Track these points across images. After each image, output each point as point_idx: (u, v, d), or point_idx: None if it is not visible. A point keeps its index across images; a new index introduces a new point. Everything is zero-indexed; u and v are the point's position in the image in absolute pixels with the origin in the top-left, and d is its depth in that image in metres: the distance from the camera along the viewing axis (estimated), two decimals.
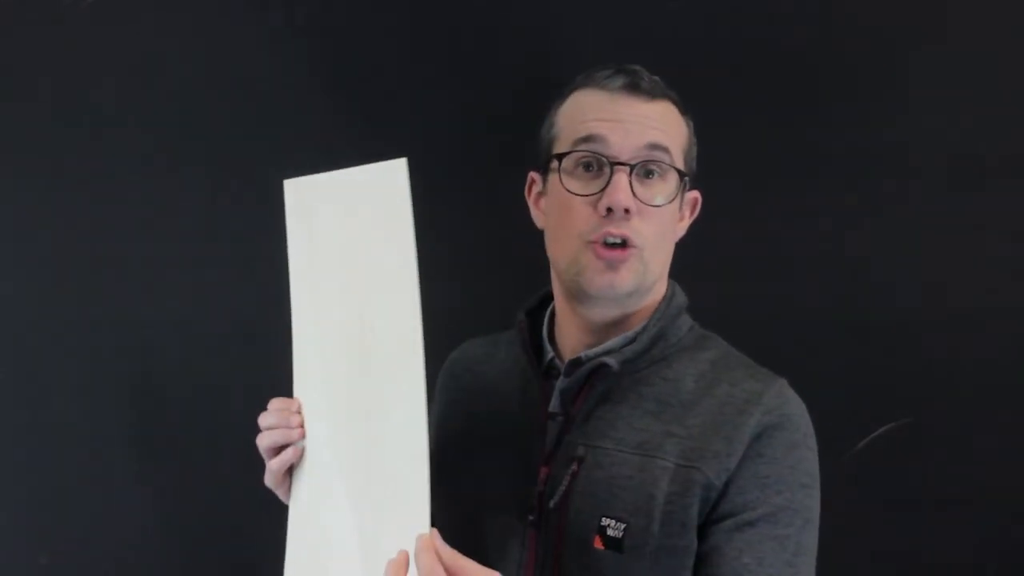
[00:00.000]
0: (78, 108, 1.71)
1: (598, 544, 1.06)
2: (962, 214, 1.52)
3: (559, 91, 1.19)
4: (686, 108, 1.18)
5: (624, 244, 1.09)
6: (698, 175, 1.20)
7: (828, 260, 1.56)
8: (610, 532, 1.05)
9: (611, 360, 1.12)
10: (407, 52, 1.68)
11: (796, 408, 1.10)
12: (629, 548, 1.05)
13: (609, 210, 1.08)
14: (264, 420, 1.17)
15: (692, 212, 1.21)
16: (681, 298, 1.20)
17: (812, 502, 1.08)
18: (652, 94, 1.13)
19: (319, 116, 1.69)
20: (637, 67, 1.15)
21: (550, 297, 1.24)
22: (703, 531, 1.06)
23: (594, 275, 1.10)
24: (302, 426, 1.15)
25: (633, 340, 1.15)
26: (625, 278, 1.10)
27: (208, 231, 1.70)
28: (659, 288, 1.18)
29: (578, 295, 1.14)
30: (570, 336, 1.18)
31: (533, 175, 1.22)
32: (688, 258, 1.43)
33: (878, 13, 1.54)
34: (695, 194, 1.20)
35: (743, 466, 1.05)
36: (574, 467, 1.09)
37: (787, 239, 1.57)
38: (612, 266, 1.09)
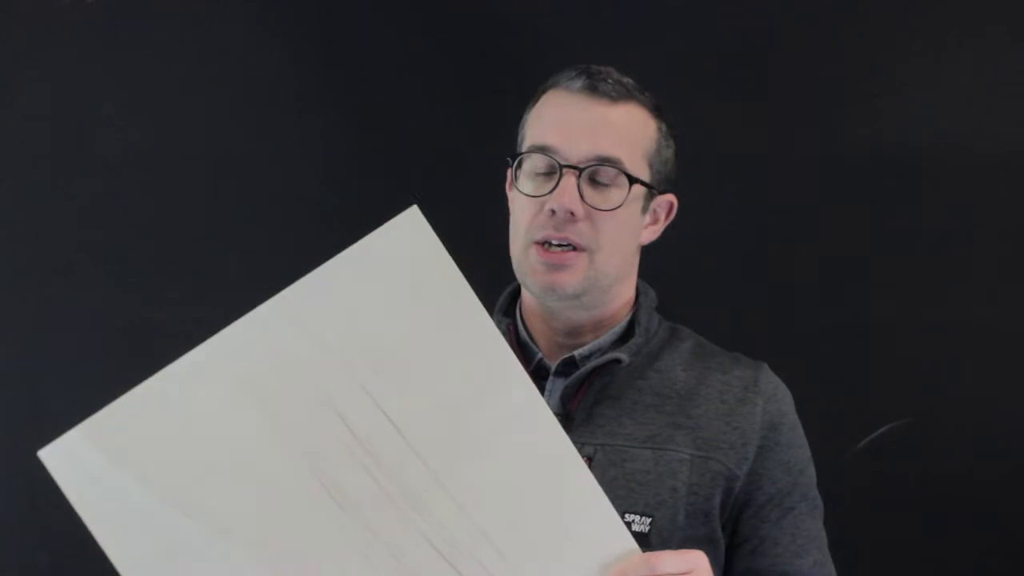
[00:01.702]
0: (78, 108, 1.71)
1: None
2: (963, 214, 1.53)
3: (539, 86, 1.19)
4: (659, 110, 1.15)
5: (571, 247, 1.10)
6: (682, 176, 1.19)
7: (829, 259, 1.56)
8: (635, 528, 1.06)
9: (623, 355, 1.13)
10: (403, 52, 1.68)
11: (784, 389, 1.17)
12: (656, 542, 1.06)
13: (553, 212, 1.09)
14: None
15: (667, 216, 1.20)
16: (652, 293, 1.22)
17: (813, 467, 1.18)
18: (614, 97, 1.12)
19: (319, 115, 1.69)
20: (604, 68, 1.14)
21: (515, 294, 1.23)
22: (744, 523, 1.11)
23: (536, 276, 1.11)
24: None
25: (621, 336, 1.16)
26: (568, 280, 1.10)
27: (209, 231, 1.70)
28: (627, 289, 1.18)
29: (534, 294, 1.15)
30: (545, 336, 1.18)
31: (511, 170, 1.21)
32: (688, 257, 1.44)
33: (876, 12, 1.54)
34: (670, 198, 1.19)
35: (766, 457, 1.11)
36: None
37: (787, 238, 1.58)
38: (554, 267, 1.10)
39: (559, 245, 1.10)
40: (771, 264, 1.58)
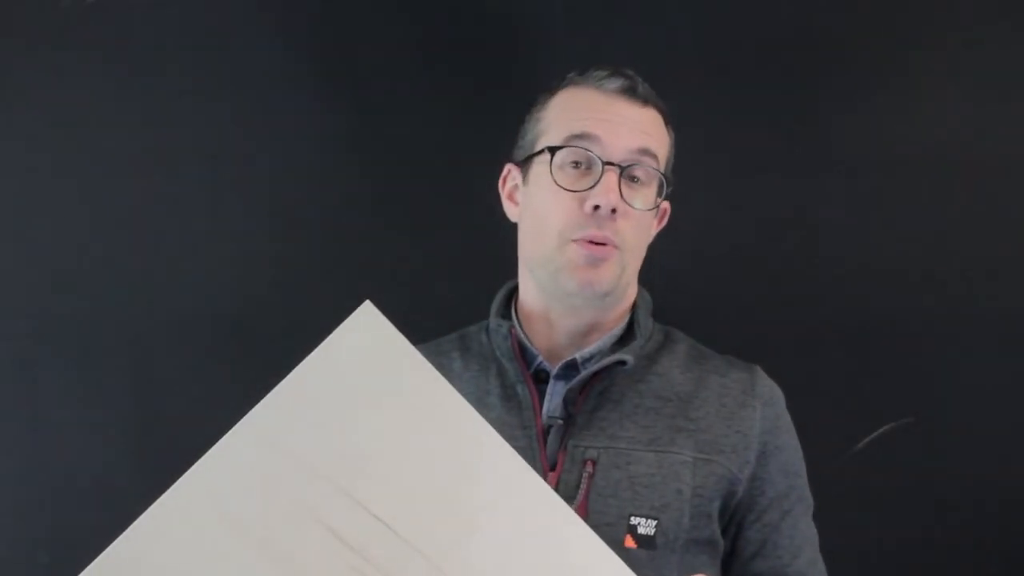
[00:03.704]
0: (78, 108, 1.70)
1: (630, 543, 1.07)
2: (963, 213, 1.53)
3: (547, 86, 1.19)
4: (672, 118, 1.18)
5: (606, 244, 1.10)
6: (678, 183, 1.19)
7: (829, 259, 1.56)
8: (641, 530, 1.07)
9: (628, 356, 1.13)
10: (401, 51, 1.68)
11: (779, 392, 1.18)
12: (662, 544, 1.07)
13: (596, 208, 1.09)
14: None
15: (660, 222, 1.22)
16: (648, 295, 1.23)
17: (804, 465, 1.20)
18: (645, 100, 1.15)
19: (318, 115, 1.69)
20: (631, 71, 1.16)
21: (510, 296, 1.23)
22: (746, 528, 1.13)
23: (574, 271, 1.10)
24: None
25: (620, 339, 1.17)
26: (604, 277, 1.11)
27: (208, 230, 1.70)
28: (633, 290, 1.20)
29: (555, 293, 1.14)
30: (545, 338, 1.18)
31: (510, 167, 1.22)
32: (688, 256, 1.44)
33: (875, 12, 1.54)
34: (665, 204, 1.21)
35: (767, 462, 1.14)
36: (589, 469, 1.10)
37: (788, 238, 1.58)
38: (593, 262, 1.10)
39: (595, 242, 1.10)
40: (771, 263, 1.58)
